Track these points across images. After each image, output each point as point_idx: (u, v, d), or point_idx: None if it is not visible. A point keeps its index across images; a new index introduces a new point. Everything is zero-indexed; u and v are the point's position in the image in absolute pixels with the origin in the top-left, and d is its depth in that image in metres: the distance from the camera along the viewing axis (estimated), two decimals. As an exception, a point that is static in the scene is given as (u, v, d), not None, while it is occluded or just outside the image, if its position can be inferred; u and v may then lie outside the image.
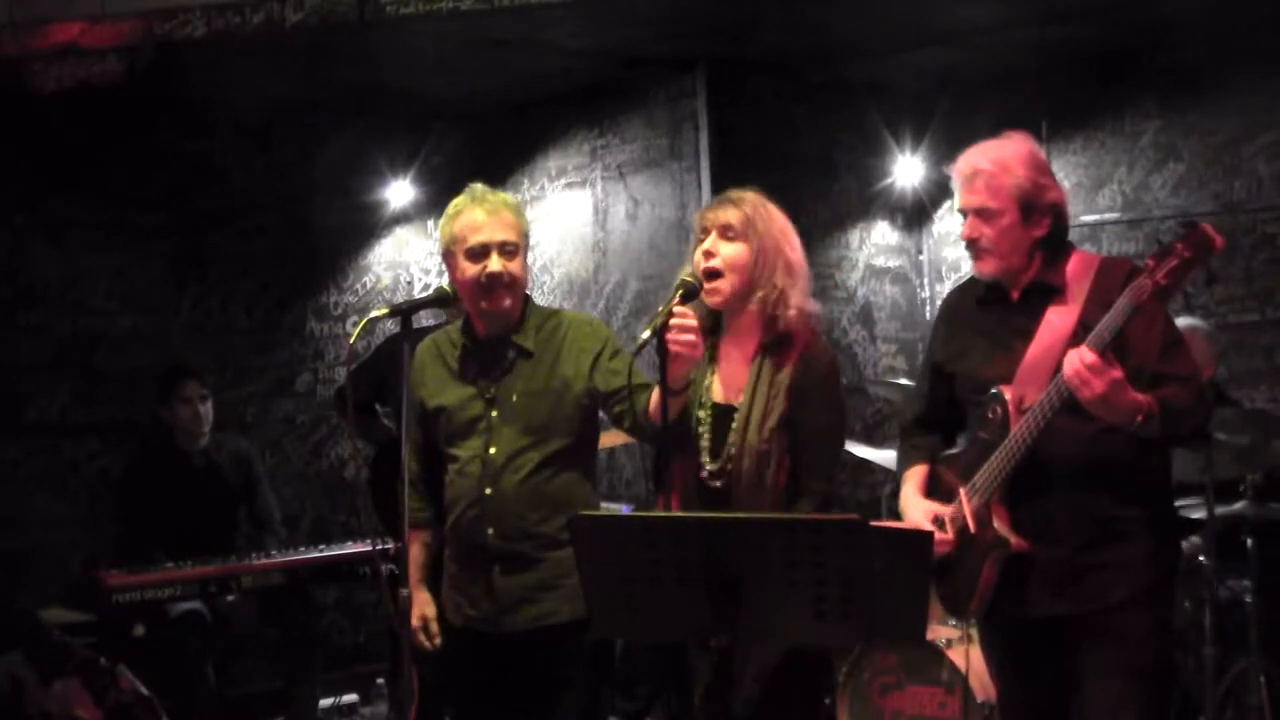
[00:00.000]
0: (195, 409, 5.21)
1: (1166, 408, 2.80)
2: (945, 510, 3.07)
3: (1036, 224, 2.99)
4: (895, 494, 5.56)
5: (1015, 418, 2.91)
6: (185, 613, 4.85)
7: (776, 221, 3.14)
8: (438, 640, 3.40)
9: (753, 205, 3.13)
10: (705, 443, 3.12)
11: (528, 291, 3.43)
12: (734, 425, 3.08)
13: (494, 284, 3.25)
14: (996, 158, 3.00)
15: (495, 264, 3.25)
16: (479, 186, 3.37)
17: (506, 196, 3.37)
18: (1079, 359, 2.73)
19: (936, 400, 3.25)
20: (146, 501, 5.15)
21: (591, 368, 3.28)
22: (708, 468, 3.11)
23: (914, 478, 3.22)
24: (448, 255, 3.33)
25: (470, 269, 3.26)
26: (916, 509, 3.13)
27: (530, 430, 3.25)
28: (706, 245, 3.11)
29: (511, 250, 3.27)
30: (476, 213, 3.27)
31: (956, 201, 3.07)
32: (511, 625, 3.28)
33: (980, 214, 2.99)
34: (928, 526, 3.03)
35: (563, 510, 3.24)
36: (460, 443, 3.33)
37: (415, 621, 3.38)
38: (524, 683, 3.35)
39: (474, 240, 3.25)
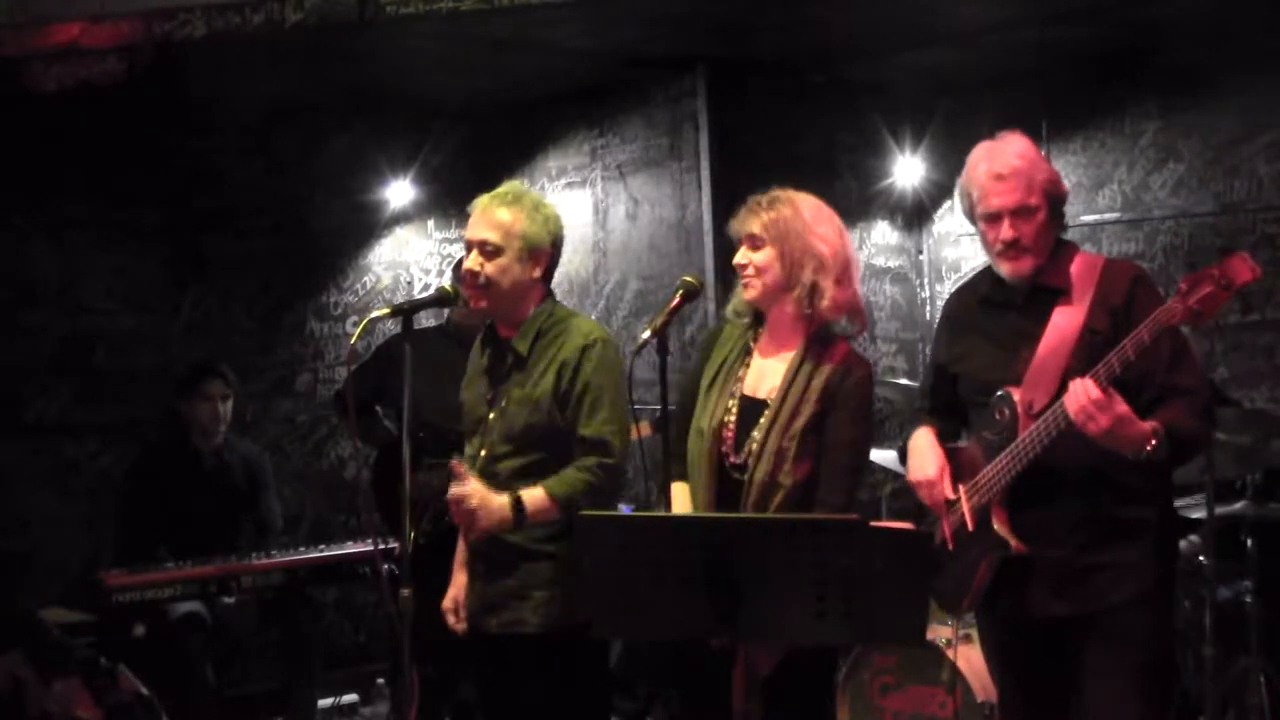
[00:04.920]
0: (216, 407, 5.22)
1: (1174, 435, 2.78)
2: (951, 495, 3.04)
3: (1056, 219, 2.99)
4: (895, 494, 5.58)
5: (1024, 420, 2.90)
6: (186, 614, 4.85)
7: (802, 216, 3.13)
8: (462, 626, 3.40)
9: (774, 207, 3.13)
10: (730, 432, 3.14)
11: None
12: (761, 421, 3.09)
13: (467, 283, 3.24)
14: (1022, 153, 2.98)
15: (469, 262, 3.24)
16: (506, 184, 3.34)
17: (520, 194, 3.28)
18: (1084, 394, 2.71)
19: (941, 400, 3.25)
20: (152, 494, 5.16)
21: (558, 378, 3.22)
22: (731, 459, 3.12)
23: (925, 429, 3.18)
24: None
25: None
26: (930, 457, 3.08)
27: (509, 438, 3.24)
28: (738, 257, 3.16)
29: (491, 250, 3.22)
30: (476, 210, 3.28)
31: (984, 205, 2.98)
32: (485, 627, 3.31)
33: (1019, 213, 2.95)
34: (937, 477, 3.02)
35: (537, 525, 3.21)
36: (470, 439, 3.37)
37: (448, 604, 3.42)
38: (496, 686, 3.38)
39: (466, 237, 3.28)
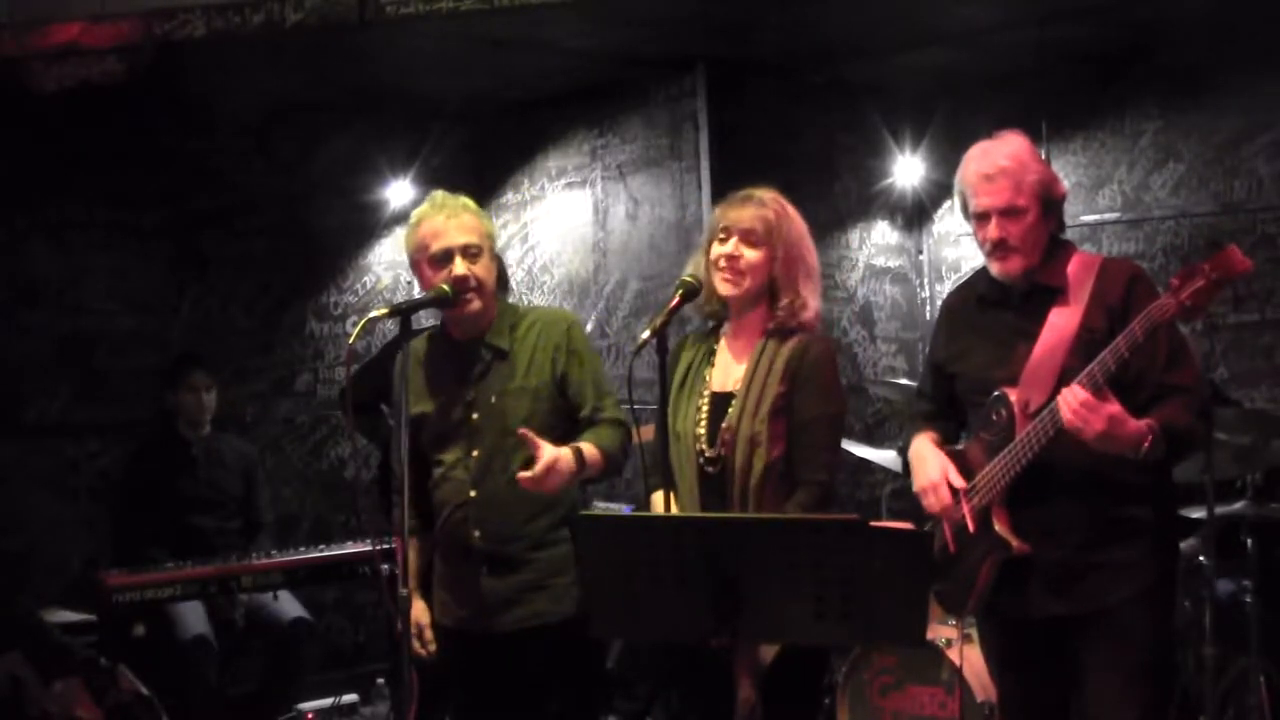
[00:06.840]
0: (200, 397, 5.34)
1: (1170, 433, 2.79)
2: (962, 483, 3.04)
3: (1050, 219, 2.99)
4: (895, 494, 5.57)
5: (1021, 421, 2.90)
6: (196, 637, 4.86)
7: (797, 226, 3.16)
8: (432, 647, 3.41)
9: (776, 210, 3.14)
10: (703, 429, 3.15)
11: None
12: (730, 410, 3.10)
13: (460, 288, 3.25)
14: (1013, 154, 2.98)
15: (459, 268, 3.25)
16: (439, 194, 3.38)
17: (467, 200, 3.36)
18: (1074, 400, 2.71)
19: (938, 401, 3.25)
20: (147, 486, 5.20)
21: (553, 363, 3.29)
22: (706, 454, 3.13)
23: (925, 435, 3.19)
24: (414, 265, 3.36)
25: (436, 276, 3.27)
26: (933, 461, 3.08)
27: (511, 430, 3.24)
28: (728, 249, 3.12)
29: (475, 253, 3.27)
30: (437, 219, 3.29)
31: (973, 205, 3.00)
32: (498, 626, 3.29)
33: (1007, 213, 2.95)
34: (940, 479, 3.02)
35: (551, 508, 3.26)
36: (445, 448, 3.35)
37: (413, 630, 3.39)
38: (514, 683, 3.35)
39: (436, 247, 3.27)
